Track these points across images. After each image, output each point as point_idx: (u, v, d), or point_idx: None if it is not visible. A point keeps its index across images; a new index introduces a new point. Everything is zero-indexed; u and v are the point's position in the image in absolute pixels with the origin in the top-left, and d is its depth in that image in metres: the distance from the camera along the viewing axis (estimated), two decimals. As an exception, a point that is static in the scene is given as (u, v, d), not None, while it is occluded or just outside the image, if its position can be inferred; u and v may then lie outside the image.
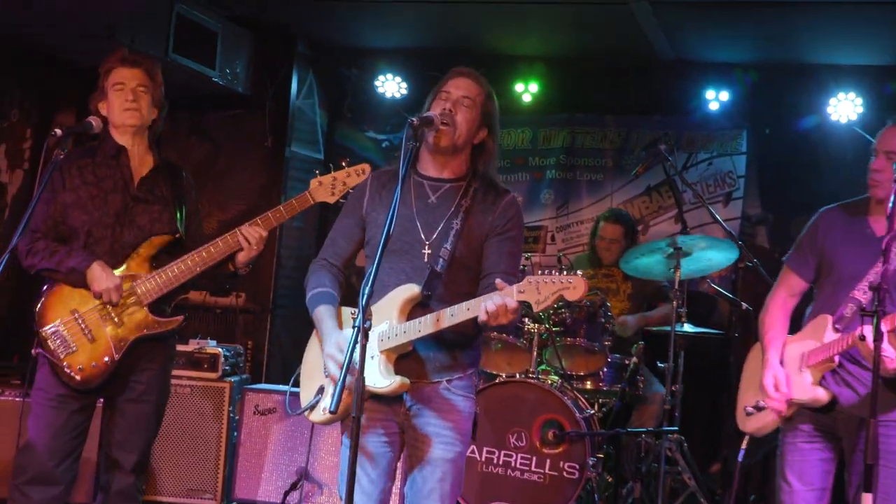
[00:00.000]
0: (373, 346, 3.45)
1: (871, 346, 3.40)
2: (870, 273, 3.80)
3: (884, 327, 3.45)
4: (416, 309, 3.55)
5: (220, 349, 6.51)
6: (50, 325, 4.16)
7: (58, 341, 4.14)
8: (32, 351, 4.20)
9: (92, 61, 6.53)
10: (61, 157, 3.96)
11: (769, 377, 3.90)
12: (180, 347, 6.45)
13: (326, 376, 3.59)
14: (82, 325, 4.16)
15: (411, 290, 3.53)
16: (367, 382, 3.29)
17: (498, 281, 3.34)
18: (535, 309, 3.38)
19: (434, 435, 3.61)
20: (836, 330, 3.80)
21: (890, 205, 3.50)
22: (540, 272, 3.38)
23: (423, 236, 3.61)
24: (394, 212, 3.25)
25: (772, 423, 4.00)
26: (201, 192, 7.17)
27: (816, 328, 3.88)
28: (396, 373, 3.50)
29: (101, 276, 4.10)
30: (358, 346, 3.11)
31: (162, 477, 6.27)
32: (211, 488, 6.38)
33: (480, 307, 3.32)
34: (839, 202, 4.15)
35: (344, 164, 4.24)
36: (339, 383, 3.13)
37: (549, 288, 3.31)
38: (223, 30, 6.68)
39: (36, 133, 7.19)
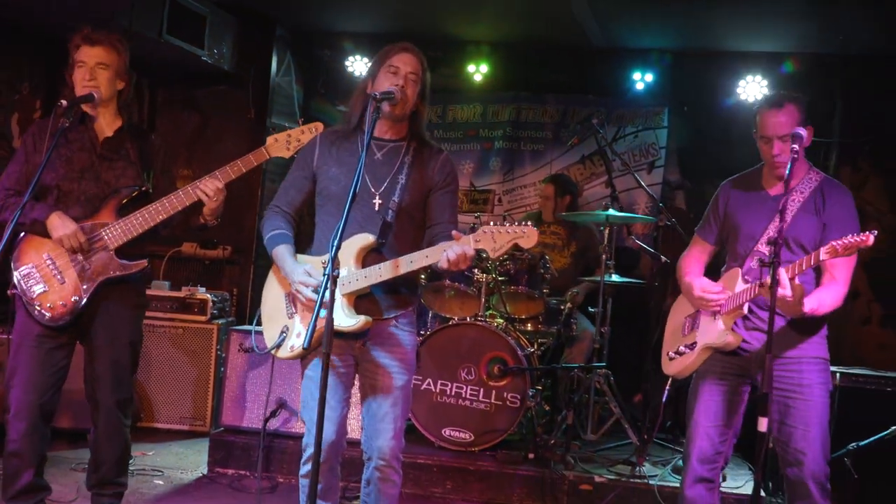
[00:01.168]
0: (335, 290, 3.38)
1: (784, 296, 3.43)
2: (769, 230, 3.82)
3: (787, 276, 3.44)
4: (369, 255, 3.57)
5: (208, 295, 6.48)
6: (24, 267, 4.03)
7: (31, 281, 4.01)
8: (8, 291, 4.06)
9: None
10: (66, 124, 3.85)
11: (698, 290, 3.89)
12: (174, 293, 6.41)
13: (289, 317, 3.60)
14: (53, 268, 4.02)
15: (367, 238, 3.54)
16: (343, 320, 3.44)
17: (455, 232, 3.39)
18: (492, 255, 3.45)
19: (386, 366, 3.64)
20: (746, 281, 3.78)
21: (786, 171, 3.52)
22: (492, 223, 3.38)
23: (371, 188, 3.62)
24: (359, 176, 3.25)
25: (690, 366, 3.99)
26: (192, 157, 7.07)
27: (728, 280, 3.88)
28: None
29: (59, 225, 3.97)
30: (328, 292, 3.09)
31: (159, 407, 6.22)
32: (201, 416, 6.37)
33: (441, 255, 3.34)
34: (735, 175, 4.12)
35: (300, 122, 4.12)
36: (312, 323, 3.08)
37: (504, 237, 3.35)
38: (211, 14, 6.56)
39: (44, 104, 7.09)
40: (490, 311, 5.85)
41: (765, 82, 6.73)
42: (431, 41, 7.18)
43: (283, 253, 3.59)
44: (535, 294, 5.90)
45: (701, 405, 3.96)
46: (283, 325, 3.62)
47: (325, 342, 3.10)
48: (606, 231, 5.74)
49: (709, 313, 3.91)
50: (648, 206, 6.96)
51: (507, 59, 7.31)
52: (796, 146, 3.53)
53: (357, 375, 3.73)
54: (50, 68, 7.11)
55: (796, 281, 3.47)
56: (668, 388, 4.58)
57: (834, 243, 3.36)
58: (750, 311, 3.78)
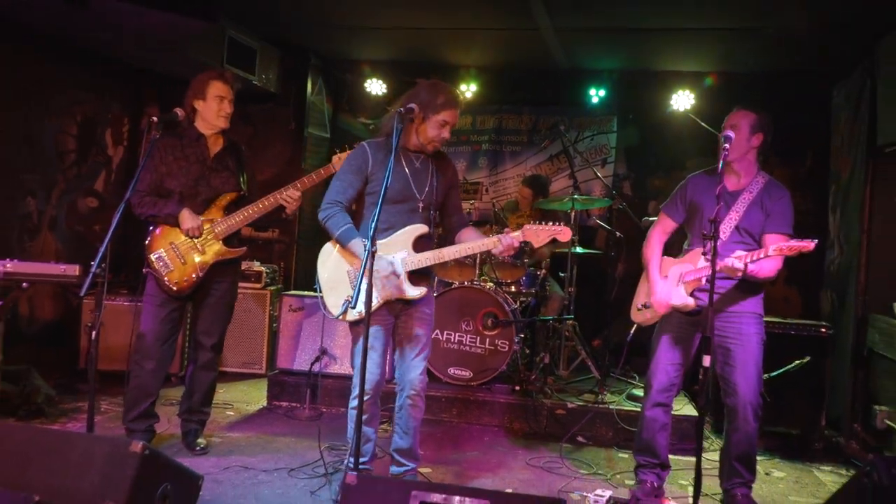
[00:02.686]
0: (398, 267, 3.67)
1: (727, 263, 3.57)
2: (731, 213, 3.85)
3: (743, 260, 3.57)
4: (419, 241, 3.74)
5: (262, 267, 6.58)
6: (155, 252, 4.21)
7: (161, 263, 4.20)
8: (143, 270, 4.23)
9: (167, 69, 6.54)
10: (157, 135, 3.96)
11: (654, 284, 4.00)
12: (237, 267, 6.53)
13: (352, 288, 3.64)
14: (177, 252, 4.20)
15: (422, 228, 3.74)
16: (401, 291, 3.68)
17: (508, 230, 3.72)
18: (535, 247, 3.75)
19: (418, 321, 3.81)
20: (707, 259, 3.86)
21: (720, 165, 3.56)
22: (535, 223, 3.70)
23: (415, 191, 3.75)
24: (389, 172, 3.35)
25: (653, 317, 4.06)
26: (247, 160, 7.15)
27: (693, 257, 3.91)
28: None
29: (188, 218, 4.18)
30: (368, 262, 3.19)
31: (225, 355, 6.33)
32: (258, 361, 6.47)
33: (497, 245, 3.64)
34: (701, 170, 4.13)
35: (355, 145, 4.21)
36: (369, 295, 3.23)
37: (545, 233, 3.66)
38: (260, 47, 6.60)
39: (131, 120, 7.14)
40: (483, 277, 5.94)
41: (692, 95, 6.71)
42: (432, 66, 7.23)
43: (357, 242, 3.62)
44: (517, 263, 5.99)
45: (661, 347, 4.04)
46: (346, 294, 3.64)
47: (366, 307, 3.25)
48: (572, 214, 5.78)
49: (674, 277, 3.94)
50: (602, 193, 7.06)
51: (491, 80, 7.31)
52: (728, 145, 3.57)
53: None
54: (136, 91, 7.18)
55: (747, 259, 3.58)
56: (632, 332, 4.68)
57: (781, 245, 3.46)
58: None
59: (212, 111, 4.26)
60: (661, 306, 3.96)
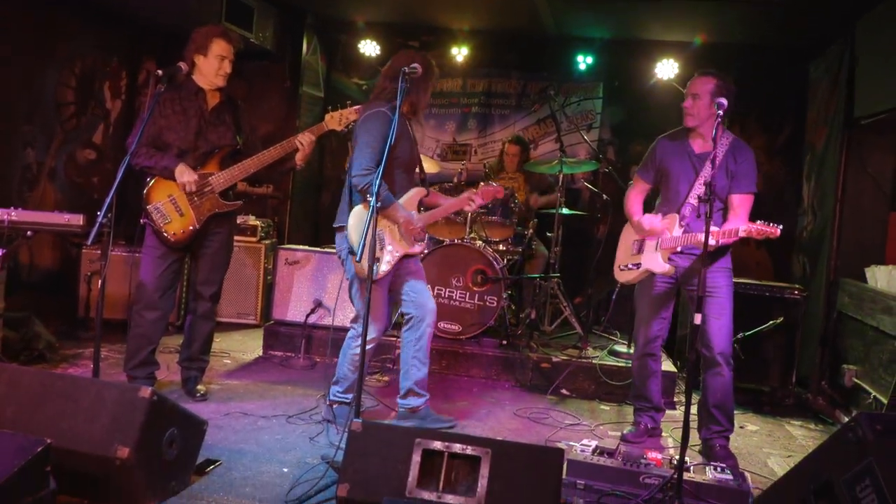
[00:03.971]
0: (417, 224, 3.97)
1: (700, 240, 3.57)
2: (700, 177, 3.88)
3: (717, 237, 3.60)
4: (419, 203, 4.05)
5: (257, 221, 6.51)
6: (154, 204, 4.10)
7: (159, 215, 4.10)
8: (141, 220, 4.14)
9: (167, 22, 6.36)
10: (162, 89, 3.83)
11: (647, 224, 4.03)
12: (232, 220, 6.44)
13: (380, 248, 3.83)
14: (175, 204, 4.10)
15: (423, 191, 4.03)
16: (412, 247, 3.97)
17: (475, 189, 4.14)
18: (480, 202, 4.19)
19: (418, 266, 4.10)
20: (681, 227, 3.88)
21: (714, 132, 3.50)
22: (483, 184, 4.17)
23: (418, 156, 4.08)
24: (393, 131, 3.50)
25: (634, 280, 4.13)
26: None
27: (669, 222, 3.93)
28: None
29: (184, 172, 4.08)
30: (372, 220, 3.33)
31: (221, 306, 6.20)
32: (253, 312, 6.42)
33: (469, 203, 4.10)
34: (667, 132, 4.18)
35: (349, 103, 4.25)
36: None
37: (490, 193, 4.15)
38: (258, 5, 6.42)
39: (129, 74, 6.95)
40: (472, 235, 5.89)
41: (676, 64, 6.64)
42: (424, 29, 7.15)
43: (397, 204, 3.87)
44: (506, 222, 5.93)
45: (644, 303, 4.15)
46: (376, 255, 3.70)
47: (370, 258, 3.33)
48: (560, 177, 5.74)
49: (652, 243, 4.02)
50: (588, 157, 7.02)
51: (482, 44, 7.20)
52: (721, 112, 3.46)
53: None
54: (134, 46, 6.98)
55: (719, 236, 3.64)
56: (616, 290, 4.71)
57: (750, 227, 3.53)
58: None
59: (212, 68, 4.16)
60: (640, 268, 4.07)
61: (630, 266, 4.11)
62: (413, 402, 4.01)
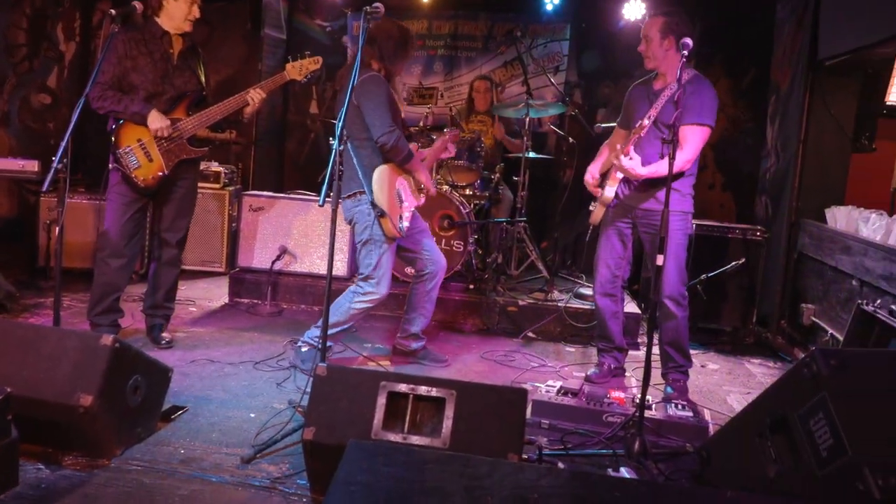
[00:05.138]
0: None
1: (624, 166, 3.79)
2: (647, 114, 3.91)
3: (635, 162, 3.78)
4: None
5: (221, 168, 6.39)
6: (123, 148, 4.03)
7: (128, 159, 4.02)
8: (109, 165, 4.07)
9: None
10: (116, 30, 3.71)
11: (588, 174, 4.19)
12: (195, 167, 6.31)
13: (399, 204, 4.04)
14: (145, 149, 4.03)
15: (415, 146, 4.21)
16: (418, 200, 4.24)
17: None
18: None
19: (421, 219, 4.38)
20: (631, 158, 3.86)
21: (678, 72, 3.47)
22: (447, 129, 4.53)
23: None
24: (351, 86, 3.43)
25: (597, 217, 4.14)
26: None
27: (615, 154, 3.95)
28: None
29: (157, 119, 4.01)
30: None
31: (185, 253, 6.12)
32: (218, 259, 6.36)
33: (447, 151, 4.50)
34: (641, 79, 4.23)
35: (307, 54, 4.27)
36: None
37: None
38: (215, -58, 6.20)
39: (83, 14, 6.73)
40: (439, 179, 5.85)
41: (643, 5, 6.46)
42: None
43: (417, 160, 4.12)
44: (472, 167, 5.87)
45: (602, 244, 4.24)
46: (398, 213, 4.01)
47: (332, 200, 3.25)
48: (527, 120, 5.68)
49: (609, 181, 4.05)
50: (555, 100, 6.96)
51: (447, -16, 7.04)
52: (686, 52, 3.44)
53: None
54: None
55: (635, 155, 3.77)
56: (589, 234, 4.74)
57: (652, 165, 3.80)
58: (625, 179, 3.96)
59: (181, 12, 4.09)
60: (596, 204, 4.14)
61: (592, 206, 4.14)
62: (415, 344, 4.42)
